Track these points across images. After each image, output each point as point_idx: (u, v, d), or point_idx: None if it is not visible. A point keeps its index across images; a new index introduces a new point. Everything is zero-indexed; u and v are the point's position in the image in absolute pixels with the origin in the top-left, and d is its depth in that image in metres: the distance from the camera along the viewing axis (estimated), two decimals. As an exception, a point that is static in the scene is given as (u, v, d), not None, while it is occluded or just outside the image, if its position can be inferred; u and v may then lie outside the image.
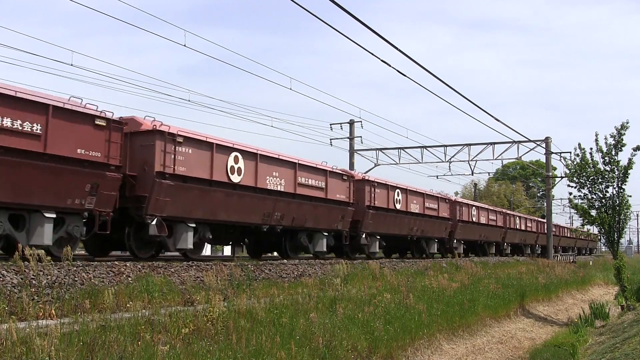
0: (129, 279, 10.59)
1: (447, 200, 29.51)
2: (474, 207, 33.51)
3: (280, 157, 17.76)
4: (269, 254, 21.55)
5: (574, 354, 14.02)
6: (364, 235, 22.09)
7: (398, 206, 24.22)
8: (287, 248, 19.22)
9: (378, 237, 23.40)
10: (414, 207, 25.64)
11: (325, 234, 19.90)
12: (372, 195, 22.40)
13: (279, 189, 17.43)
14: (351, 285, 13.96)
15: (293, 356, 8.37)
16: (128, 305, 8.88)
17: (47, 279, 9.21)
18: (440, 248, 29.43)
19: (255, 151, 16.64)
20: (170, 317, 8.40)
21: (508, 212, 40.89)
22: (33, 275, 8.98)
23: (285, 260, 16.97)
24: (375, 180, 23.12)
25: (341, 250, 22.32)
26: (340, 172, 21.07)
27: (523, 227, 42.74)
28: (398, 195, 24.35)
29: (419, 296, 14.57)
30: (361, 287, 13.77)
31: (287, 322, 9.61)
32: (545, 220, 48.53)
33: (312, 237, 19.61)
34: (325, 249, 20.04)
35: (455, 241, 30.48)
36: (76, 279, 9.79)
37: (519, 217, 43.07)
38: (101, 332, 7.29)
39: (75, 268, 10.11)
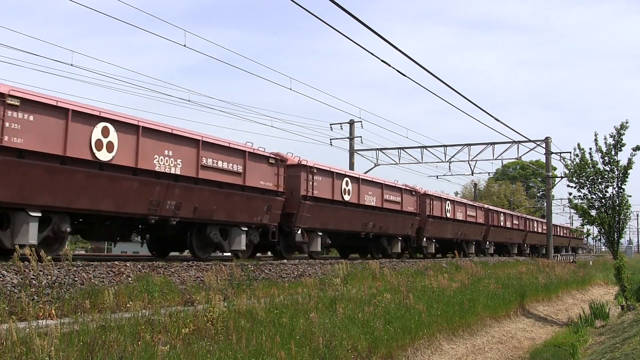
0: (129, 279, 10.59)
1: (274, 160, 17.48)
2: (347, 179, 21.01)
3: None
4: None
5: (574, 354, 14.02)
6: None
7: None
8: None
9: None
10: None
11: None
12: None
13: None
14: (351, 285, 13.96)
15: (293, 356, 8.37)
16: (128, 305, 8.87)
17: (47, 279, 9.21)
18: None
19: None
20: (170, 317, 8.40)
21: (430, 193, 27.89)
22: (33, 275, 8.98)
23: (285, 261, 17.06)
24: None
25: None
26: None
27: (460, 218, 31.17)
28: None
29: (419, 296, 14.57)
30: (361, 287, 13.77)
31: (287, 322, 9.61)
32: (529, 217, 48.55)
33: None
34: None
35: (297, 230, 18.76)
36: (76, 279, 9.79)
37: (450, 201, 30.39)
38: (101, 332, 7.29)
39: (75, 268, 10.11)
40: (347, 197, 20.82)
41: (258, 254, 20.65)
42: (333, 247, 24.23)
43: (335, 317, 10.81)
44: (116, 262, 11.46)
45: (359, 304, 12.18)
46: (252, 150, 16.49)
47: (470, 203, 35.29)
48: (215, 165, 15.11)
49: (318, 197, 19.17)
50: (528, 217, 46.73)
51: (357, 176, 22.08)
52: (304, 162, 18.63)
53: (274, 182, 17.16)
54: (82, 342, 6.77)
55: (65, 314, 8.18)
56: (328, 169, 20.03)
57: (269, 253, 21.14)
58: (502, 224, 37.81)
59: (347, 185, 20.81)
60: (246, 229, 16.37)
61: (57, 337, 6.53)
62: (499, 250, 39.22)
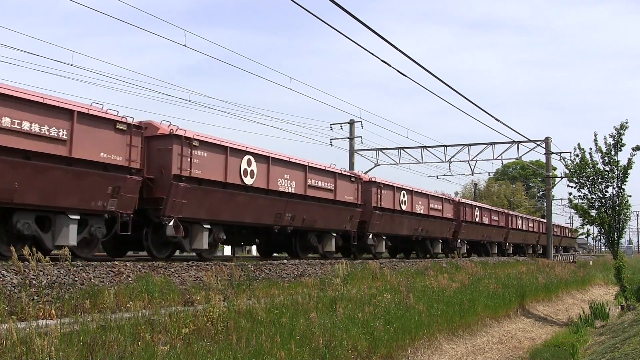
0: (129, 279, 10.59)
1: (125, 126, 13.96)
2: (250, 157, 16.60)
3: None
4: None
5: (574, 354, 14.03)
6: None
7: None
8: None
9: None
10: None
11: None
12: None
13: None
14: (351, 285, 13.96)
15: (293, 356, 8.37)
16: (128, 305, 8.88)
17: (47, 279, 9.21)
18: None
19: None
20: (170, 317, 8.41)
21: (377, 180, 24.07)
22: (33, 275, 8.99)
23: (285, 260, 17.00)
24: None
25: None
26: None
27: (421, 211, 27.04)
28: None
29: (419, 296, 14.57)
30: (361, 287, 13.77)
31: (287, 322, 9.61)
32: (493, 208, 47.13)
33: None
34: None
35: (168, 221, 14.63)
36: (76, 279, 9.80)
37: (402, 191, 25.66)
38: (101, 332, 7.29)
39: (75, 268, 10.12)
40: (249, 181, 16.20)
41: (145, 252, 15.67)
42: (234, 244, 19.38)
43: (335, 317, 10.82)
44: (116, 262, 11.48)
45: (359, 304, 12.18)
46: (84, 110, 12.17)
47: (435, 195, 30.08)
48: (15, 127, 10.76)
49: (201, 178, 14.69)
50: (510, 212, 42.15)
51: (267, 154, 17.08)
52: (179, 132, 14.19)
53: (125, 155, 12.91)
54: (82, 342, 6.78)
55: (65, 314, 8.19)
56: (219, 142, 15.48)
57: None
58: (477, 219, 33.27)
59: (249, 165, 16.24)
60: (78, 217, 12.18)
61: (57, 337, 6.53)
62: (475, 250, 35.32)
